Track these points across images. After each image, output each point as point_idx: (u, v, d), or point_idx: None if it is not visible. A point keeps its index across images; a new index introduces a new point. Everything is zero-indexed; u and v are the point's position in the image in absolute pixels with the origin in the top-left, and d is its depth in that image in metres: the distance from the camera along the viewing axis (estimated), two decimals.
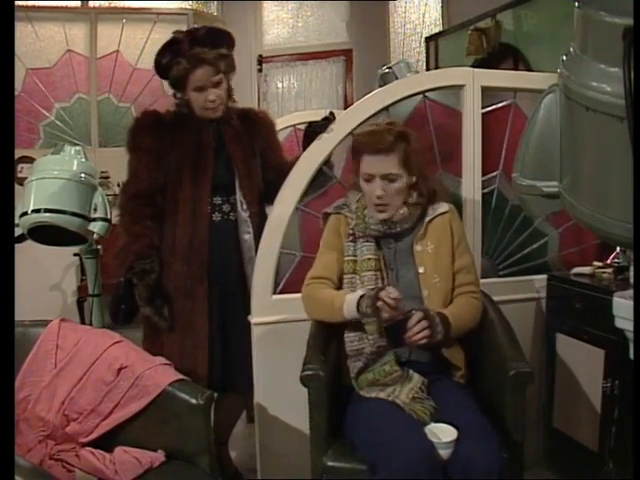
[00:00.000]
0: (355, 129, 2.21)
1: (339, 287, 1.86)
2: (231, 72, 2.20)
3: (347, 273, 1.84)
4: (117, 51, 5.15)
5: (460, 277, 1.86)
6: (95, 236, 2.61)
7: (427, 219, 1.86)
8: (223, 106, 2.18)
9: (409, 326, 1.66)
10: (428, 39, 4.66)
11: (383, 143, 1.75)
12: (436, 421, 1.61)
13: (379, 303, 1.65)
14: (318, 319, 1.87)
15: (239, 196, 2.18)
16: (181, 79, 2.12)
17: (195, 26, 2.17)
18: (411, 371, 1.75)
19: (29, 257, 3.39)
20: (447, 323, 1.72)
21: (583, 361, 2.20)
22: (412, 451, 1.50)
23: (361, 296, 1.71)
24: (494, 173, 2.38)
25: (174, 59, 2.10)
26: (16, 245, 2.58)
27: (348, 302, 1.74)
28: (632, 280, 1.98)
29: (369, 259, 1.80)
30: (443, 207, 1.88)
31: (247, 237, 2.20)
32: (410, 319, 1.66)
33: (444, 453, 1.52)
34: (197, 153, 2.14)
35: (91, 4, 5.16)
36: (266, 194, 2.26)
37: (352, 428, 1.72)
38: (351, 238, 1.84)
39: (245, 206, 2.18)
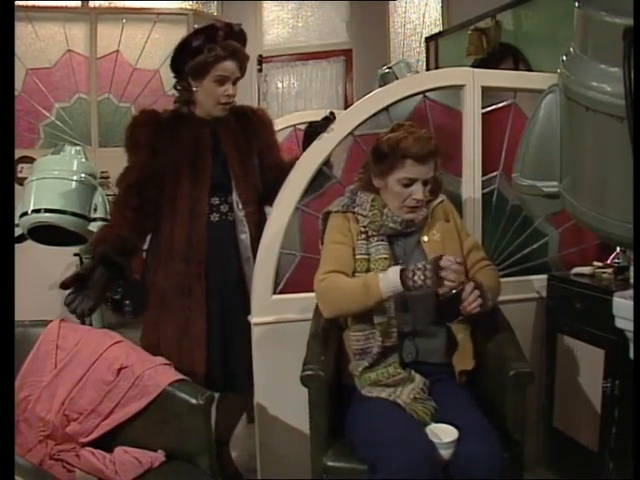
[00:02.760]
0: (355, 129, 2.21)
1: None
2: (242, 77, 2.21)
3: (360, 271, 1.81)
4: (117, 51, 5.15)
5: (472, 256, 1.91)
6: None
7: (431, 210, 1.90)
8: (228, 109, 2.18)
9: (464, 297, 1.68)
10: (428, 39, 4.66)
11: (429, 149, 1.77)
12: (437, 421, 1.61)
13: (443, 273, 1.63)
14: (343, 311, 1.80)
15: (235, 196, 2.18)
16: (207, 66, 2.09)
17: (231, 22, 2.16)
18: (413, 372, 1.75)
19: (29, 257, 3.39)
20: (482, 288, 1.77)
21: (583, 361, 2.20)
22: (412, 451, 1.50)
23: (402, 270, 1.68)
24: (494, 173, 2.38)
25: (208, 44, 2.08)
26: (16, 245, 2.59)
27: (387, 278, 1.69)
28: (632, 280, 1.98)
29: (385, 258, 1.79)
30: (440, 196, 1.94)
31: (244, 237, 2.19)
32: (464, 290, 1.68)
33: (445, 453, 1.52)
34: (195, 153, 2.14)
35: (91, 4, 5.16)
36: (265, 194, 2.26)
37: (352, 428, 1.72)
38: (364, 236, 1.83)
39: (241, 206, 2.18)
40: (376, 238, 1.82)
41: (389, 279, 1.69)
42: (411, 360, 1.79)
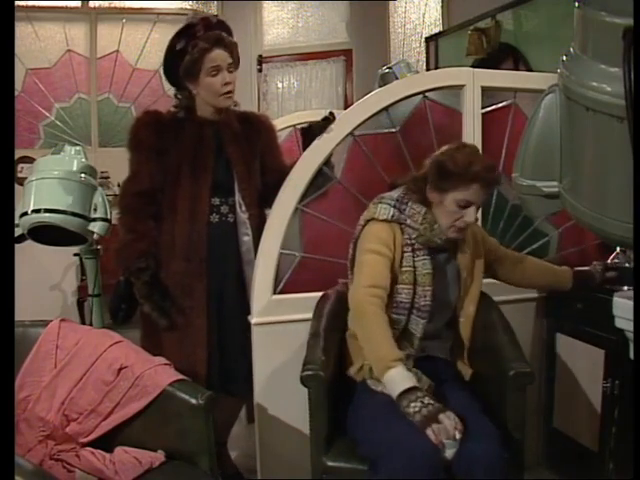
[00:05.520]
0: (355, 129, 2.21)
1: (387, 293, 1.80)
2: (237, 66, 2.20)
3: (405, 283, 1.80)
4: (117, 51, 5.16)
5: (500, 250, 2.07)
6: (95, 236, 2.61)
7: None
8: (233, 97, 2.18)
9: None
10: (428, 39, 4.66)
11: (496, 178, 1.79)
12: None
13: (434, 426, 1.50)
14: (359, 340, 1.76)
15: (238, 198, 2.18)
16: (197, 62, 2.10)
17: (208, 15, 2.18)
18: (420, 373, 1.72)
19: (29, 257, 3.39)
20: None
21: (583, 361, 2.20)
22: (413, 451, 1.50)
23: (411, 388, 1.57)
24: None
25: (190, 42, 2.10)
26: (16, 245, 2.58)
27: (394, 379, 1.60)
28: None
29: (429, 273, 1.80)
30: None
31: (246, 239, 2.19)
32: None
33: (448, 452, 1.52)
34: (197, 153, 2.14)
35: (91, 4, 5.16)
36: (265, 197, 2.25)
37: (356, 423, 1.72)
38: (410, 249, 1.82)
39: (244, 208, 2.18)
40: (422, 252, 1.82)
41: (394, 382, 1.59)
42: (420, 355, 1.82)
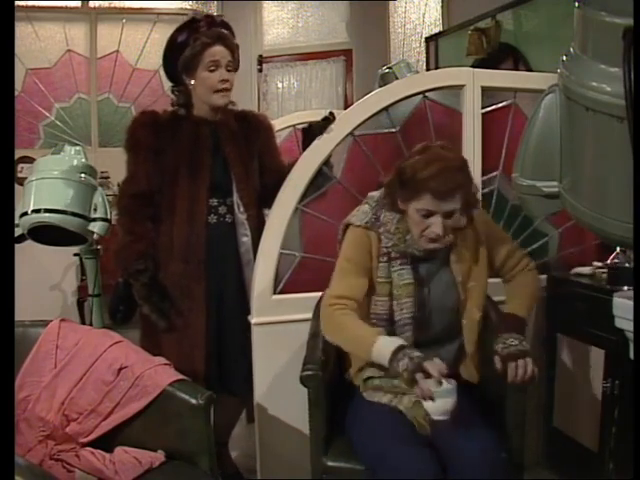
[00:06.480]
0: (355, 129, 2.21)
1: (361, 306, 1.75)
2: (237, 68, 2.21)
3: (381, 295, 1.72)
4: (117, 51, 5.16)
5: (509, 263, 1.86)
6: (95, 236, 2.61)
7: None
8: (229, 97, 2.17)
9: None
10: (428, 39, 4.66)
11: (453, 184, 1.60)
12: (435, 423, 1.60)
13: (418, 376, 1.51)
14: (340, 345, 1.74)
15: (236, 198, 2.17)
16: (197, 55, 2.10)
17: (212, 14, 2.19)
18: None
19: (29, 257, 3.39)
20: (523, 325, 1.75)
21: (583, 361, 2.20)
22: (407, 468, 1.50)
23: (398, 347, 1.57)
24: (494, 173, 2.38)
25: (192, 35, 2.10)
26: (16, 245, 2.58)
27: (381, 348, 1.59)
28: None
29: (408, 284, 1.71)
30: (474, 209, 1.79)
31: (245, 239, 2.19)
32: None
33: (439, 403, 1.49)
34: (194, 153, 2.13)
35: (91, 4, 5.16)
36: (263, 198, 2.25)
37: (352, 428, 1.72)
38: (385, 258, 1.72)
39: (242, 208, 2.18)
40: (399, 261, 1.72)
41: (381, 352, 1.59)
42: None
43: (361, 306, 1.74)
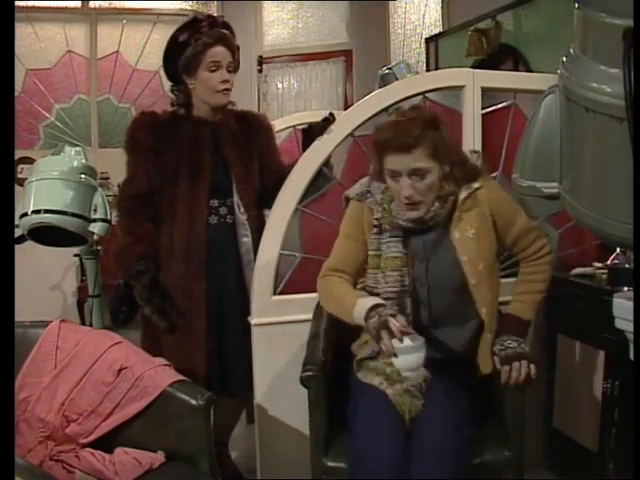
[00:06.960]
0: (355, 130, 2.21)
1: (357, 279, 1.78)
2: (237, 69, 2.21)
3: (372, 268, 1.72)
4: (117, 52, 5.16)
5: (521, 242, 1.77)
6: (95, 237, 2.61)
7: (460, 201, 1.69)
8: (229, 96, 2.18)
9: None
10: (428, 40, 4.67)
11: (409, 137, 1.56)
12: (414, 419, 1.59)
13: (383, 333, 1.53)
14: (336, 315, 1.76)
15: (236, 199, 2.17)
16: (198, 55, 2.10)
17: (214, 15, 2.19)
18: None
19: (29, 257, 3.39)
20: (525, 328, 1.74)
21: (583, 361, 2.20)
22: (378, 465, 1.51)
23: (372, 306, 1.59)
24: (494, 174, 2.38)
25: (194, 35, 2.10)
26: (16, 246, 2.58)
27: (359, 308, 1.62)
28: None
29: (395, 257, 1.68)
30: (476, 183, 1.71)
31: (245, 240, 2.19)
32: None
33: (402, 359, 1.52)
34: (194, 153, 2.13)
35: (91, 4, 5.16)
36: (264, 198, 2.25)
37: (349, 428, 1.72)
38: (376, 230, 1.70)
39: (243, 209, 2.18)
40: (389, 233, 1.69)
41: (360, 313, 1.61)
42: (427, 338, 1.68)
43: (358, 278, 1.78)
